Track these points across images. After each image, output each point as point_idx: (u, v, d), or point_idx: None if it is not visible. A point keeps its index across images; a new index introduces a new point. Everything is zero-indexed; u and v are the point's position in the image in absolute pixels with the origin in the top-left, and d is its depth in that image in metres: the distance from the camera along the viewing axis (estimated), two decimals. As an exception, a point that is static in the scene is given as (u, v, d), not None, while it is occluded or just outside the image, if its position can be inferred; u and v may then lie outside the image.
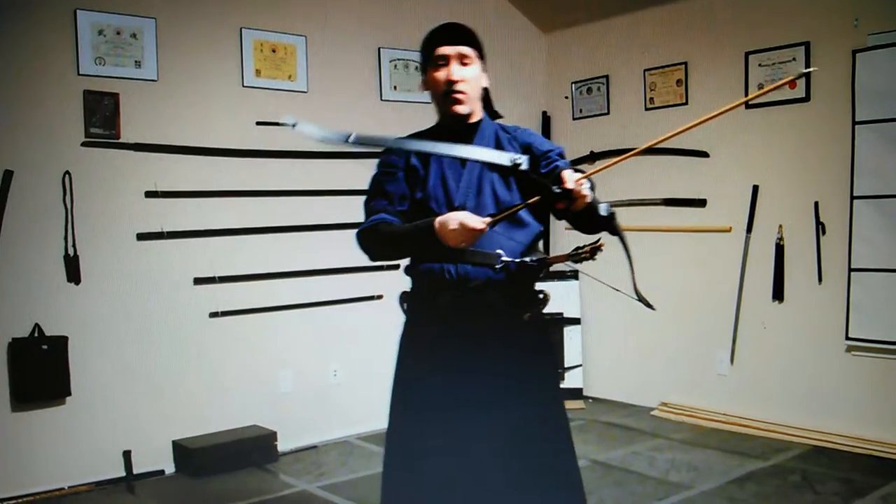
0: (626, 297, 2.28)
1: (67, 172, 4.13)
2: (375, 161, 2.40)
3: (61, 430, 4.14)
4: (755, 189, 4.96)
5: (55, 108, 4.12)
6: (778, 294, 4.87)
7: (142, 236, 4.37)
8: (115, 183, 4.29)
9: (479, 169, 2.25)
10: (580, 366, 5.78)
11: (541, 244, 2.34)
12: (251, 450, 4.51)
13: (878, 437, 4.43)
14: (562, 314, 5.72)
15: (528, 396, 2.23)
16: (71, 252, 4.14)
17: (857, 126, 4.45)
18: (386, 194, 2.30)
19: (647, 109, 5.52)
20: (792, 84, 1.90)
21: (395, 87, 5.33)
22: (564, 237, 5.54)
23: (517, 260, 2.18)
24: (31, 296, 4.07)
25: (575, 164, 2.27)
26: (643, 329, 5.46)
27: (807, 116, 4.72)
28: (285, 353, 4.88)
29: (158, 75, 4.41)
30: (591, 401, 5.81)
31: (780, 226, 4.85)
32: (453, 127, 2.29)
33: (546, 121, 6.16)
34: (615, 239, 2.16)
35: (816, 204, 4.68)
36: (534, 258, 2.21)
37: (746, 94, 4.87)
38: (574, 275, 5.73)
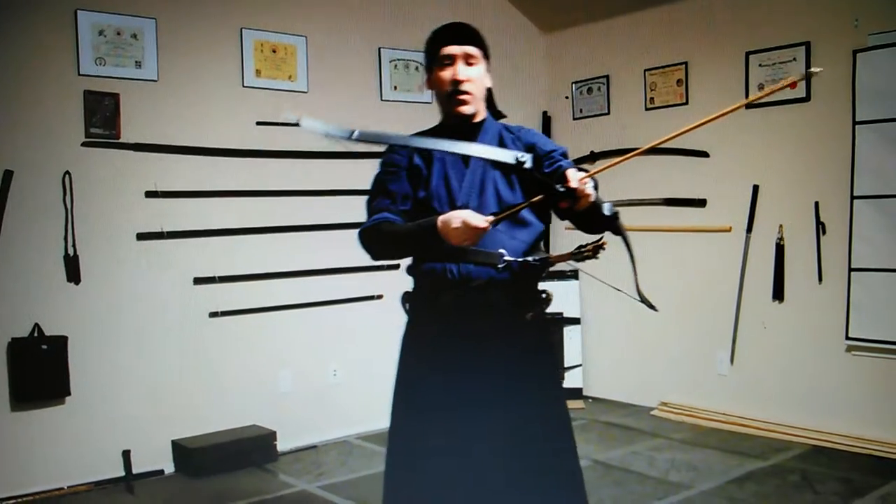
0: (627, 297, 2.27)
1: (67, 172, 4.13)
2: (376, 161, 2.40)
3: (61, 429, 4.13)
4: (755, 189, 4.97)
5: (55, 108, 4.12)
6: (778, 294, 4.87)
7: (142, 236, 4.37)
8: (115, 183, 4.29)
9: (483, 168, 2.24)
10: (580, 366, 5.79)
11: (542, 244, 2.34)
12: (251, 450, 4.51)
13: (877, 436, 4.43)
14: (562, 314, 5.72)
15: (530, 396, 2.23)
16: (71, 252, 4.14)
17: (857, 126, 4.45)
18: (388, 193, 2.29)
19: (647, 109, 5.52)
20: (793, 84, 1.90)
21: (395, 88, 5.33)
22: (565, 237, 5.53)
23: (520, 259, 2.17)
24: (31, 295, 4.07)
25: (575, 164, 2.26)
26: (643, 329, 5.46)
27: (807, 116, 4.72)
28: (285, 353, 4.88)
29: (159, 75, 4.41)
30: (591, 400, 5.81)
31: (781, 226, 4.85)
32: (457, 126, 2.28)
33: (546, 121, 6.16)
34: (616, 238, 2.15)
35: (817, 204, 4.69)
36: (536, 257, 2.20)
37: (747, 95, 4.87)
38: (574, 274, 5.73)
